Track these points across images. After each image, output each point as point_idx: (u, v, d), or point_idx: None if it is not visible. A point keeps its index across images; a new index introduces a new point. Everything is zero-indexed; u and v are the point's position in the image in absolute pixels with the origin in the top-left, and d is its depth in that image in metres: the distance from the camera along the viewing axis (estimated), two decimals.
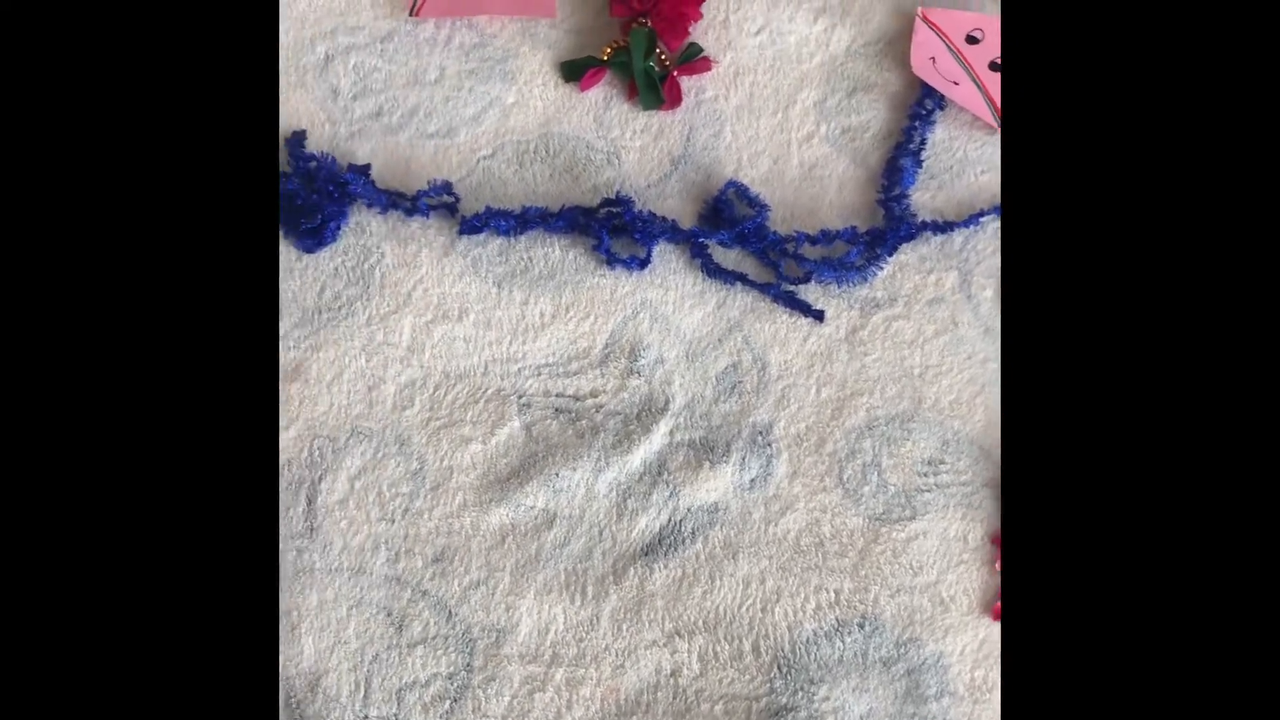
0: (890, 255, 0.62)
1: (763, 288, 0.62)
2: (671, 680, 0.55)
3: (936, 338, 0.61)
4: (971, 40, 0.64)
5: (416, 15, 0.67)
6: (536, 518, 0.57)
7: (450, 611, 0.55)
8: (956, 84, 0.63)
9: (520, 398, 0.60)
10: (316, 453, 0.58)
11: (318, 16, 0.67)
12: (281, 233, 0.63)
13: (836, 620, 0.56)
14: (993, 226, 0.62)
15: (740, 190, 0.64)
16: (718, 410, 0.60)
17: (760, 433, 0.59)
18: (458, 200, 0.63)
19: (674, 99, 0.66)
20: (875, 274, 0.62)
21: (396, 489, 0.57)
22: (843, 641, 0.56)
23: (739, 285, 0.62)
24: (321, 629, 0.55)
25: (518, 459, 0.58)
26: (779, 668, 0.55)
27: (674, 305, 0.62)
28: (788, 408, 0.60)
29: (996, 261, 0.61)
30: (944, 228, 0.62)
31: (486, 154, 0.65)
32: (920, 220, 0.63)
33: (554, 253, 0.63)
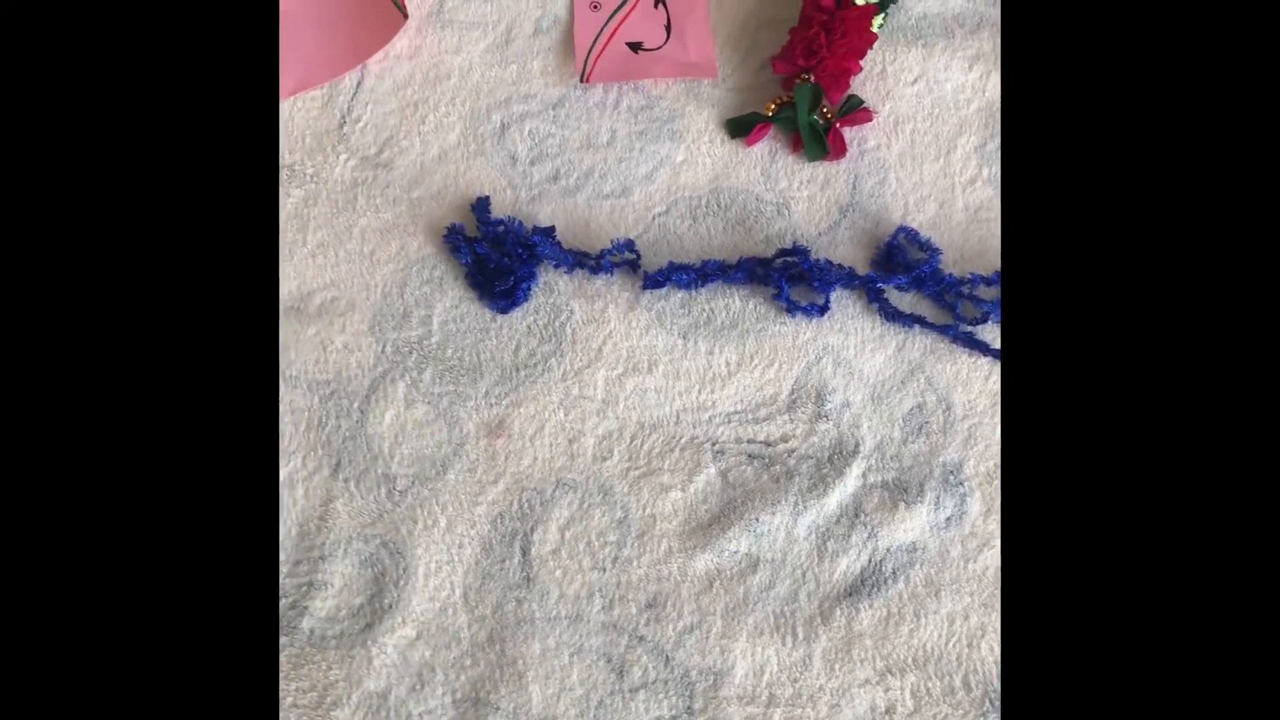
0: None
1: (941, 329, 0.63)
2: (887, 718, 0.56)
3: None
4: None
5: (586, 81, 0.70)
6: (740, 562, 0.59)
7: (667, 656, 0.57)
8: None
9: (714, 445, 0.62)
10: (526, 505, 0.61)
11: (491, 87, 0.71)
12: (476, 295, 0.66)
13: None
14: None
15: (911, 235, 0.66)
16: (907, 451, 0.61)
17: (951, 472, 0.61)
18: (639, 257, 0.65)
19: (839, 150, 0.68)
20: None
21: (604, 538, 0.60)
22: None
23: (917, 328, 0.64)
24: (546, 676, 0.57)
25: (717, 505, 0.60)
26: (991, 702, 0.56)
27: (855, 350, 0.64)
28: (975, 446, 0.61)
29: None
30: None
31: (661, 211, 0.68)
32: None
33: (734, 303, 0.65)
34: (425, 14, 0.73)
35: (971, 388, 0.62)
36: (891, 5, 0.70)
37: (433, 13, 0.73)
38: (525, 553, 0.60)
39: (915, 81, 0.70)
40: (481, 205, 0.68)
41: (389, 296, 0.66)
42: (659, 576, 0.59)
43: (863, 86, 0.70)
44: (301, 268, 0.66)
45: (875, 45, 0.70)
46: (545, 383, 0.63)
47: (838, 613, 0.58)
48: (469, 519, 0.61)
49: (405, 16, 0.70)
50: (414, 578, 0.59)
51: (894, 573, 0.59)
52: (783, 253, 0.65)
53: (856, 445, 0.61)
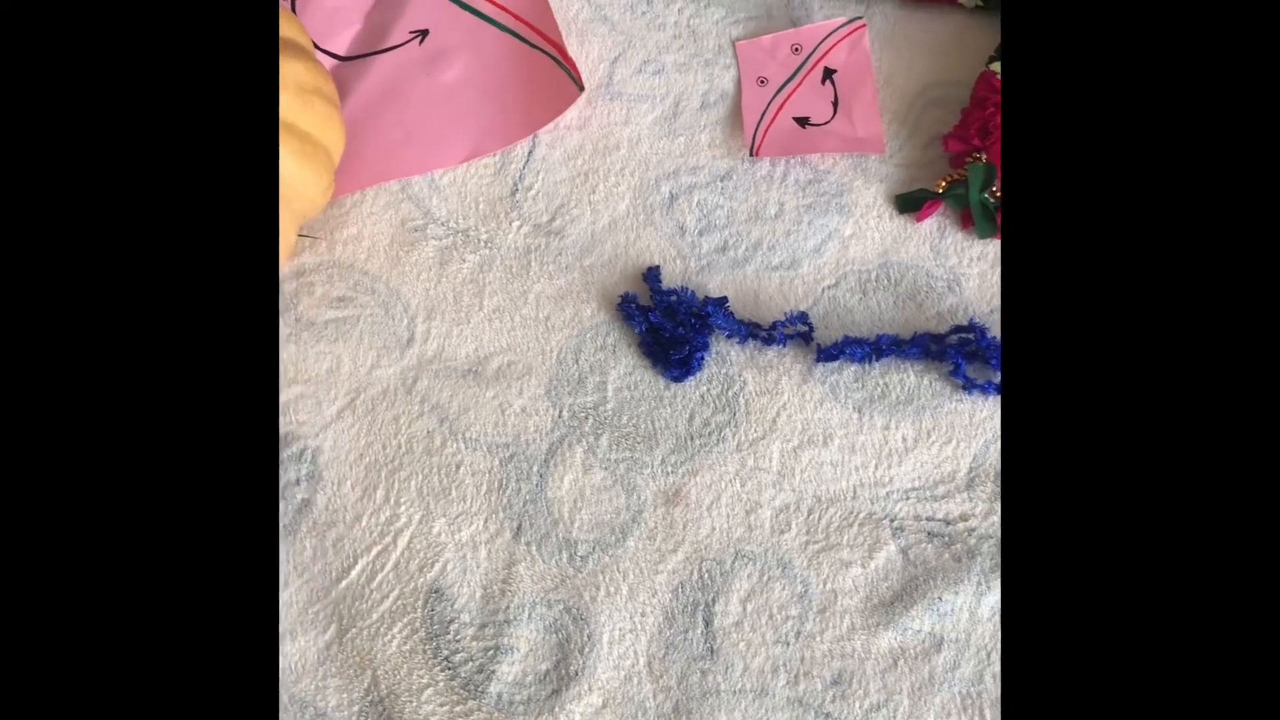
0: None
1: None
2: None
3: None
4: None
5: (755, 155, 0.72)
6: (924, 641, 0.59)
7: None
8: None
9: (892, 521, 0.62)
10: (706, 575, 0.61)
11: (659, 158, 0.72)
12: (650, 363, 0.66)
13: None
14: None
15: None
16: None
17: None
18: (812, 329, 0.66)
19: None
20: None
21: (786, 612, 0.60)
22: None
23: None
24: None
25: (899, 583, 0.60)
26: None
27: None
28: None
29: None
30: None
31: (830, 284, 0.68)
32: None
33: (909, 378, 0.65)
34: (594, 86, 0.75)
35: None
36: None
37: (602, 85, 0.75)
38: (708, 624, 0.60)
39: None
40: (653, 274, 0.69)
41: (564, 362, 0.67)
42: (843, 653, 0.59)
43: None
44: (478, 331, 0.68)
45: None
46: (720, 453, 0.64)
47: None
48: (650, 587, 0.61)
49: (581, 89, 0.72)
50: (598, 645, 0.59)
51: None
52: (957, 329, 0.65)
53: None
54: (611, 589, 0.61)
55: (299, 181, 0.64)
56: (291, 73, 0.64)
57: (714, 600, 0.60)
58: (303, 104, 0.64)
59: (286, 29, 0.66)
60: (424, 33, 0.76)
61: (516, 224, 0.71)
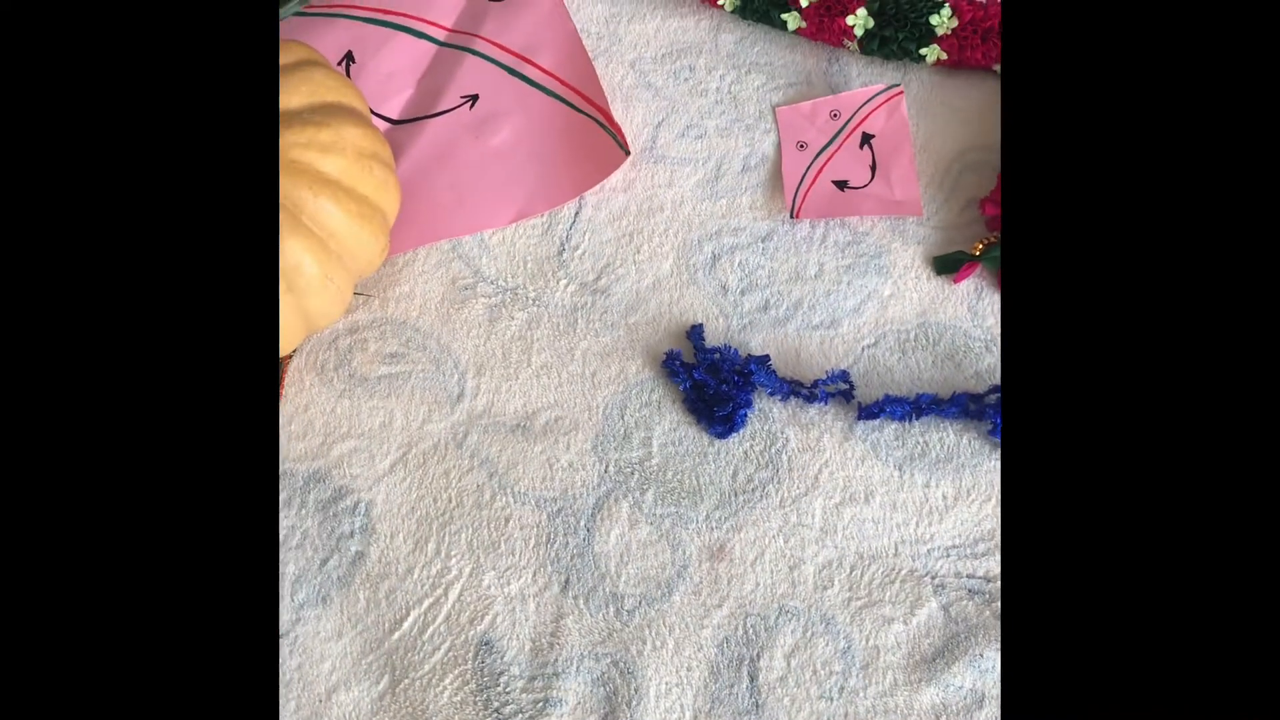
0: None
1: None
2: None
3: None
4: None
5: (796, 217, 0.74)
6: (966, 697, 0.60)
7: None
8: None
9: (934, 578, 0.63)
10: (750, 630, 0.62)
11: (702, 219, 0.75)
12: (694, 419, 0.68)
13: None
14: None
15: None
16: None
17: None
18: (853, 387, 0.68)
19: None
20: None
21: (829, 667, 0.61)
22: None
23: None
24: None
25: (940, 639, 0.61)
26: None
27: None
28: None
29: None
30: None
31: (869, 343, 0.70)
32: None
33: (949, 436, 0.66)
34: (639, 150, 0.77)
35: None
36: None
37: (646, 148, 0.77)
38: (753, 679, 0.61)
39: None
40: (697, 332, 0.71)
41: (610, 418, 0.69)
42: (886, 709, 0.60)
43: None
44: (527, 387, 0.70)
45: None
46: (764, 509, 0.65)
47: None
48: (696, 641, 0.62)
49: (627, 153, 0.75)
50: (645, 699, 0.60)
51: None
52: (996, 389, 0.67)
53: None
54: (658, 643, 0.62)
55: (356, 243, 0.67)
56: (350, 138, 0.67)
57: (758, 655, 0.61)
58: (361, 169, 0.67)
59: (345, 96, 0.69)
60: (474, 98, 0.79)
61: (564, 282, 0.73)
